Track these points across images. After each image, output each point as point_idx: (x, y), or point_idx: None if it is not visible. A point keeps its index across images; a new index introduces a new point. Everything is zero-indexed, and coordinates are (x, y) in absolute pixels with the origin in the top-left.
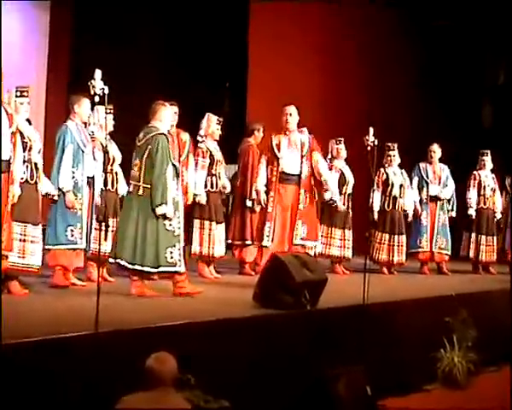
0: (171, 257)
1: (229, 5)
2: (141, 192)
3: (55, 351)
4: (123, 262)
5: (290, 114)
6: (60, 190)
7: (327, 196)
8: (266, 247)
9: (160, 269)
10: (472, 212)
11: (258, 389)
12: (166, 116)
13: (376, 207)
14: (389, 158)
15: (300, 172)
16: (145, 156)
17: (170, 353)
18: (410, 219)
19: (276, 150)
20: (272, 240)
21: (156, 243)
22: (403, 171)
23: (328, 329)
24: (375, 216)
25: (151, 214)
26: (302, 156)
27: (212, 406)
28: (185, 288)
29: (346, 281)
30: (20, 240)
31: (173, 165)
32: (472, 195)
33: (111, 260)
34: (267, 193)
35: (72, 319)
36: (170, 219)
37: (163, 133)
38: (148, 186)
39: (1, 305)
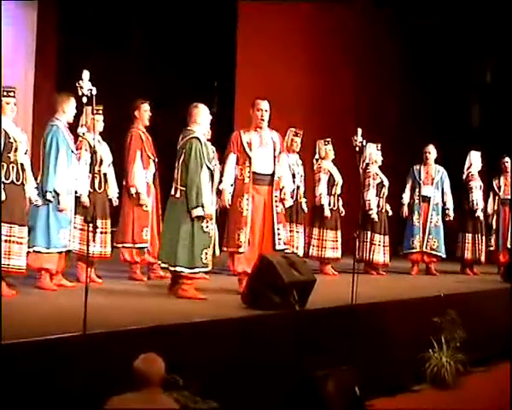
0: (206, 258)
1: (217, 5)
2: (178, 195)
3: (43, 352)
4: (159, 261)
5: (266, 110)
6: (55, 192)
7: (287, 204)
8: (242, 253)
9: (196, 270)
10: (480, 213)
11: (247, 389)
12: (202, 117)
13: (375, 208)
14: (377, 157)
15: (273, 173)
16: (181, 160)
17: (158, 354)
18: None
19: (247, 149)
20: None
21: (191, 245)
22: None
23: (317, 329)
24: (376, 218)
25: (186, 216)
26: (275, 156)
27: (200, 406)
28: (189, 292)
29: (335, 282)
30: (6, 241)
31: (208, 168)
32: (477, 196)
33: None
34: (242, 195)
35: (60, 320)
36: (207, 221)
37: (197, 137)
38: (184, 189)
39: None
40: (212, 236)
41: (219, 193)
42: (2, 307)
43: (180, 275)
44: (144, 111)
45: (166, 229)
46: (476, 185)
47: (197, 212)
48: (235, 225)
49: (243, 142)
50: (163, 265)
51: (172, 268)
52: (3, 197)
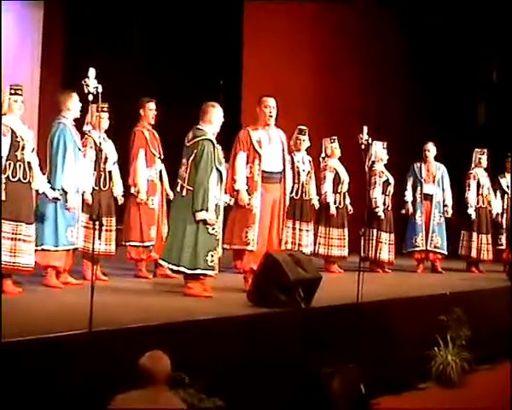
0: (212, 260)
1: (223, 4)
2: (184, 193)
3: (49, 350)
4: (161, 260)
5: (274, 107)
6: (62, 190)
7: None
8: (251, 251)
9: (197, 271)
10: (472, 211)
11: (252, 387)
12: (216, 117)
13: (381, 206)
14: (383, 156)
15: (282, 170)
16: (191, 159)
17: (163, 351)
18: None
19: (257, 147)
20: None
21: (195, 246)
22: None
23: (323, 327)
24: (383, 215)
25: (192, 216)
26: (284, 155)
27: (206, 405)
28: (194, 289)
29: (340, 279)
30: (12, 239)
31: (218, 170)
32: (472, 194)
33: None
34: (249, 193)
35: (66, 317)
36: (212, 224)
37: (209, 139)
38: (191, 188)
39: (1, 304)
40: (219, 238)
41: (236, 191)
42: (2, 304)
43: (184, 275)
44: (149, 110)
45: (171, 228)
46: (472, 183)
47: (201, 215)
48: (243, 223)
49: (253, 140)
50: (164, 263)
51: (176, 268)
52: (3, 197)
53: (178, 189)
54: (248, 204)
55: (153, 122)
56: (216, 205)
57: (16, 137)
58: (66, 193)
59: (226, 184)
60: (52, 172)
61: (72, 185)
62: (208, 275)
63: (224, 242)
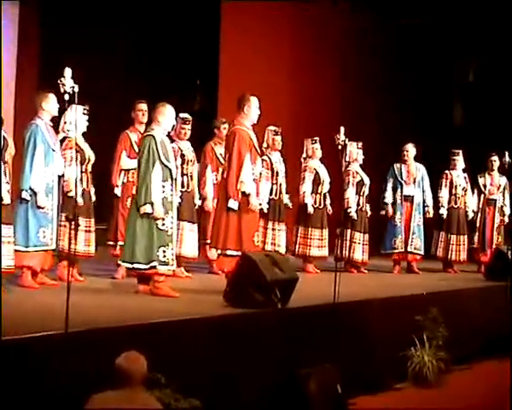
0: (164, 256)
1: (200, 4)
2: (134, 191)
3: (24, 351)
4: (119, 261)
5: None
6: (31, 190)
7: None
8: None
9: (152, 264)
10: (443, 211)
11: (229, 387)
12: (164, 116)
13: (354, 207)
14: (358, 156)
15: None
16: (139, 157)
17: (140, 352)
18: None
19: (258, 147)
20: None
21: (147, 241)
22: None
23: (299, 328)
24: (355, 216)
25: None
26: None
27: (182, 405)
28: (162, 289)
29: (317, 280)
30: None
31: (165, 166)
32: (443, 194)
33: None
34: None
35: (42, 318)
36: (162, 219)
37: (151, 134)
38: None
39: (1, 304)
40: (172, 234)
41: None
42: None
43: (143, 273)
44: (138, 110)
45: (126, 227)
46: (444, 183)
47: (144, 209)
48: (252, 227)
49: (254, 140)
50: (122, 263)
51: (130, 266)
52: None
53: (134, 189)
54: (260, 207)
55: (142, 122)
56: (167, 201)
57: (5, 138)
58: (35, 193)
59: (227, 188)
60: (21, 172)
61: (41, 185)
62: (162, 271)
63: (224, 247)
